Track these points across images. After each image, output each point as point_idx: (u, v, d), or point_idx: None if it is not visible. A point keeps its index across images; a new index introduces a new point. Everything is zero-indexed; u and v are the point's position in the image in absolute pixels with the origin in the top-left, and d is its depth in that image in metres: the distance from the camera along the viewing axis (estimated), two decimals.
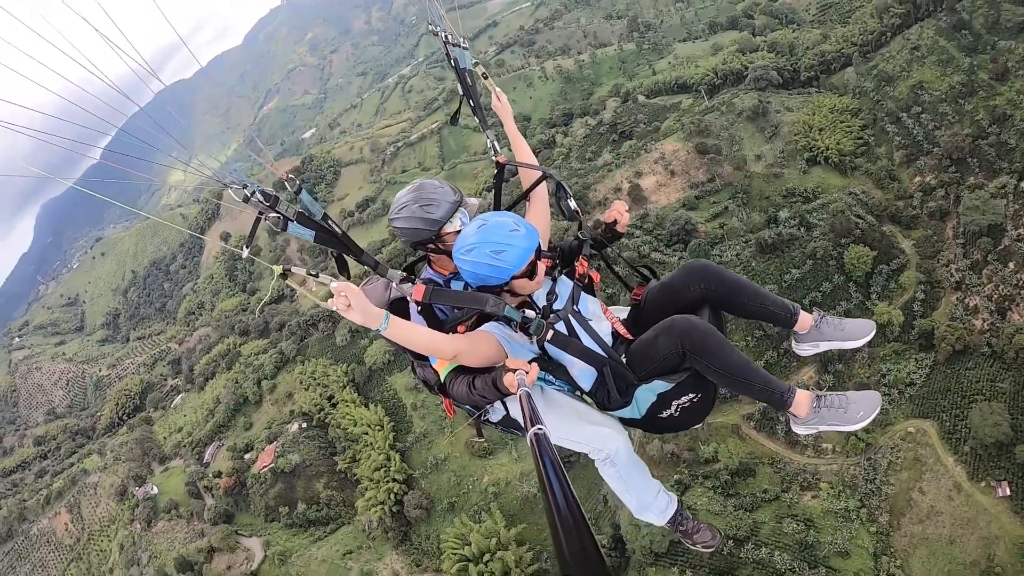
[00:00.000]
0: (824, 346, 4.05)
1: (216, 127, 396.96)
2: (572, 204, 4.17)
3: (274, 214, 3.10)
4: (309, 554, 64.44)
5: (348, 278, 3.50)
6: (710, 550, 4.46)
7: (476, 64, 4.62)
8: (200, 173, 3.11)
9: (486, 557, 52.45)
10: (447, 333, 3.67)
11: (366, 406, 72.97)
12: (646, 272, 4.38)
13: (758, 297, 3.92)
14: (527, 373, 3.33)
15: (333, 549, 63.54)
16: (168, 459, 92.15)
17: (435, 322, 3.81)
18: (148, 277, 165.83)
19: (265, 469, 73.75)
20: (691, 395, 3.74)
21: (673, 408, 3.78)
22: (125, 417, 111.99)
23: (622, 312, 4.33)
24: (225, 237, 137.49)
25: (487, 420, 4.11)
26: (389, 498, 61.17)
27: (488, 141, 4.63)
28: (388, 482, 62.34)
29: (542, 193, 4.47)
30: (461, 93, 4.63)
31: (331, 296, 3.05)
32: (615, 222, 4.35)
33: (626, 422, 4.02)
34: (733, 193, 72.76)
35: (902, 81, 77.73)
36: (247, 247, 3.17)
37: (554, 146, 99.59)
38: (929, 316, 57.95)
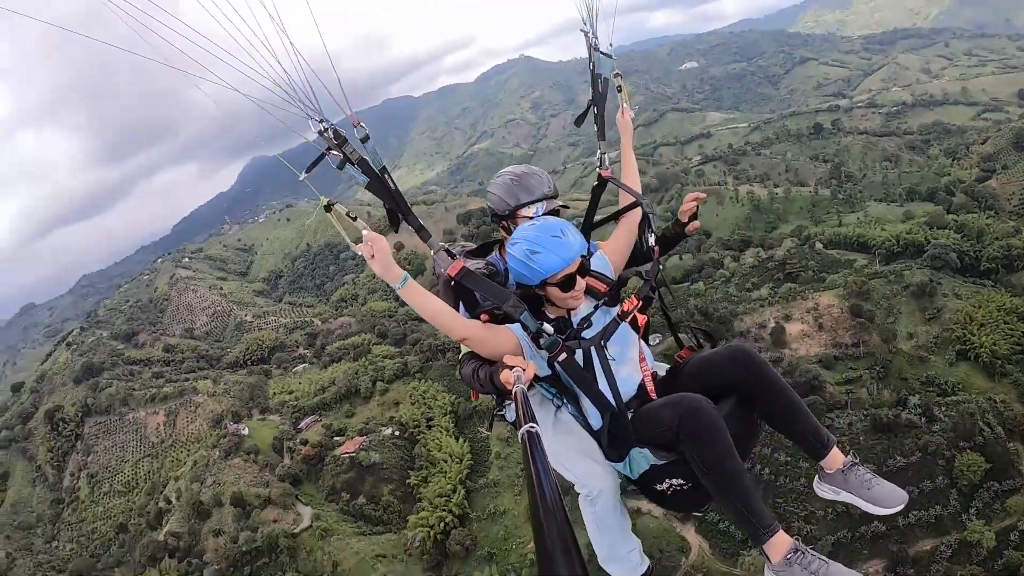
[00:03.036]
0: (844, 496, 4.02)
1: (427, 148, 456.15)
2: (651, 240, 4.52)
3: (337, 153, 3.65)
4: (347, 542, 75.83)
5: (396, 232, 4.15)
6: None
7: (617, 75, 5.07)
8: (291, 100, 3.48)
9: None
10: (470, 318, 4.05)
11: (456, 438, 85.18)
12: (702, 336, 4.57)
13: (792, 410, 3.87)
14: (524, 371, 3.49)
15: (370, 547, 74.47)
16: (268, 412, 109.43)
17: (473, 304, 4.20)
18: (319, 255, 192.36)
19: (346, 455, 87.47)
20: (681, 481, 3.80)
21: (666, 485, 3.87)
22: (249, 362, 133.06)
23: (663, 368, 4.45)
24: (399, 247, 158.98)
25: (503, 416, 4.49)
26: (439, 525, 71.61)
27: (599, 151, 4.95)
28: (445, 511, 73.15)
29: (632, 219, 4.64)
30: (591, 98, 5.01)
31: (361, 241, 3.55)
32: (689, 220, 4.76)
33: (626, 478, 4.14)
34: (872, 364, 77.18)
35: None
36: (305, 172, 3.66)
37: (721, 267, 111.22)
38: None
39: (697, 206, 4.79)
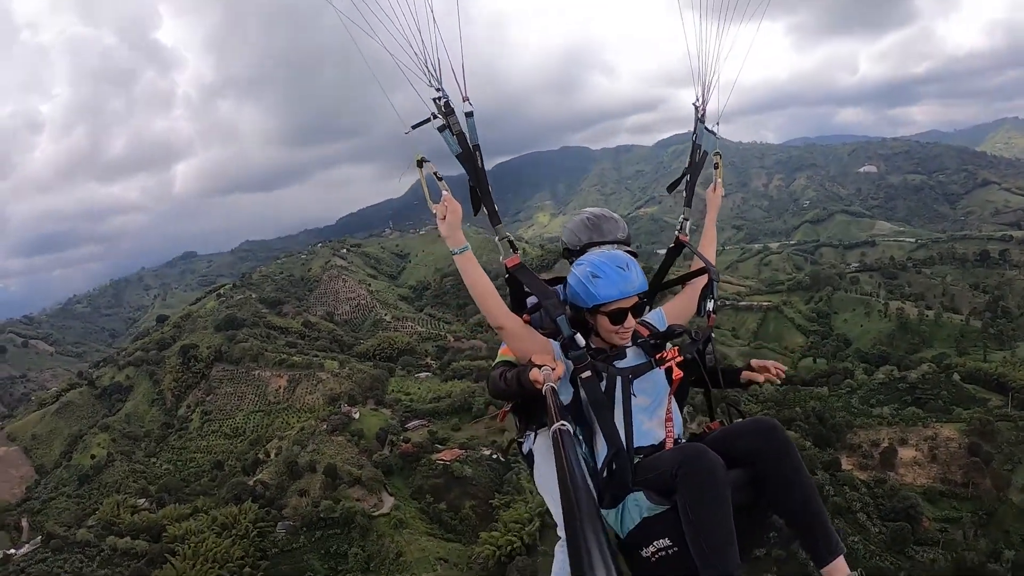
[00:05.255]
0: None
1: (595, 201, 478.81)
2: (710, 305, 4.78)
3: (440, 120, 4.21)
4: (417, 539, 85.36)
5: (476, 214, 4.48)
6: None
7: (717, 153, 5.64)
8: (424, 71, 4.05)
9: None
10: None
11: None
12: (736, 415, 4.59)
13: (806, 501, 3.80)
14: (553, 369, 3.84)
15: (436, 549, 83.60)
16: (382, 405, 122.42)
17: (522, 305, 4.65)
18: None
19: (441, 462, 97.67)
20: (668, 542, 3.73)
21: (651, 550, 3.81)
22: (377, 357, 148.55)
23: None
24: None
25: (521, 444, 4.83)
26: (506, 548, 79.21)
27: (681, 217, 5.45)
28: (515, 536, 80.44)
29: (698, 285, 4.99)
30: (687, 166, 5.59)
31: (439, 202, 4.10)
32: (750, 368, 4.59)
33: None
34: (977, 508, 78.34)
35: None
36: (412, 127, 4.20)
37: (851, 377, 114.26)
38: None
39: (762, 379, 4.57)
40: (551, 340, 4.23)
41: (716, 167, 5.66)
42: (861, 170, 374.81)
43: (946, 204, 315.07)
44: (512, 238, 4.45)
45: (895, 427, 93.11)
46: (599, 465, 4.01)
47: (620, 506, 3.93)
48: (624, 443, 3.96)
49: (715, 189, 5.68)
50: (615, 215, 5.15)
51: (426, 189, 4.12)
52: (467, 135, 4.29)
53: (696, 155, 5.53)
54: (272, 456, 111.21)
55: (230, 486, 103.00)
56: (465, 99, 4.25)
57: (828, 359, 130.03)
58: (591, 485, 1.99)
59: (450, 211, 4.06)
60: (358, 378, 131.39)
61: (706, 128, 5.52)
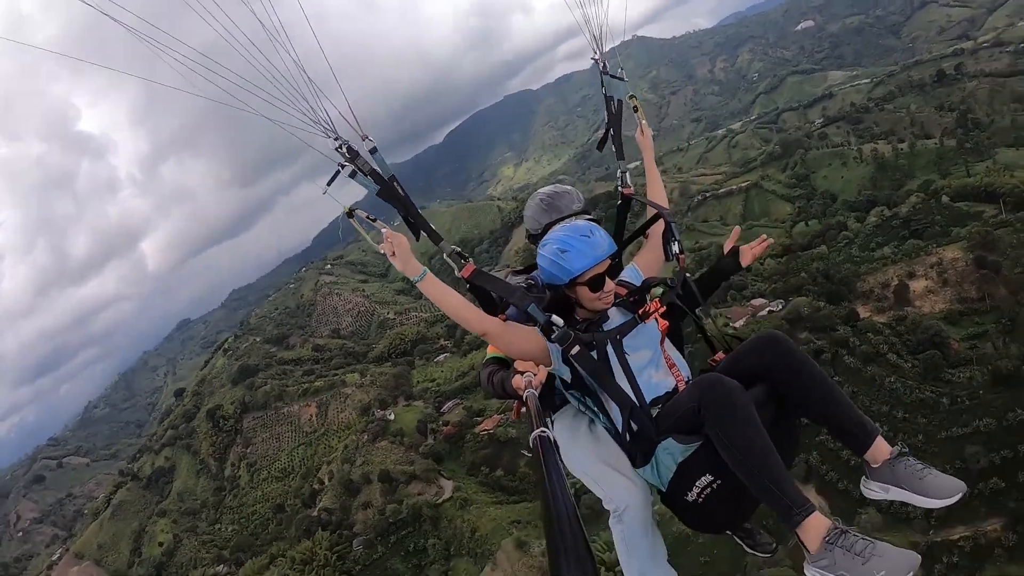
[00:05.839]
0: (894, 493, 3.89)
1: (552, 139, 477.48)
2: (675, 248, 4.85)
3: (350, 166, 4.34)
4: (485, 511, 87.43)
5: (416, 240, 4.48)
6: None
7: (631, 97, 5.58)
8: (313, 121, 4.16)
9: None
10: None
11: None
12: (736, 343, 4.52)
13: (829, 397, 3.89)
14: (535, 375, 3.83)
15: (506, 514, 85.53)
16: (412, 398, 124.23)
17: (494, 305, 4.72)
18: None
19: (485, 432, 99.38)
20: (710, 476, 3.83)
21: (696, 491, 3.89)
22: (393, 355, 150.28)
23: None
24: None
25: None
26: (571, 490, 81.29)
27: (619, 171, 5.48)
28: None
29: (659, 231, 5.03)
30: (606, 121, 5.59)
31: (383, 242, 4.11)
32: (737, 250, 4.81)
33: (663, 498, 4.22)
34: (999, 318, 79.20)
35: None
36: (327, 185, 4.41)
37: (845, 229, 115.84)
38: None
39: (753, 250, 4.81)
40: (535, 328, 4.21)
41: (636, 110, 5.61)
42: (799, 28, 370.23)
43: (891, 36, 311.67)
44: (459, 250, 4.48)
45: (900, 263, 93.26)
46: (617, 426, 4.11)
47: (653, 460, 4.00)
48: (635, 399, 4.04)
49: (642, 132, 5.61)
50: (568, 188, 5.23)
51: (365, 235, 4.19)
52: (379, 171, 4.41)
53: (611, 106, 5.54)
54: (327, 482, 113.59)
55: (297, 523, 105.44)
56: (364, 137, 4.33)
57: (819, 218, 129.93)
58: (571, 492, 2.07)
59: (396, 245, 4.05)
60: (382, 381, 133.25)
61: (613, 76, 5.52)
